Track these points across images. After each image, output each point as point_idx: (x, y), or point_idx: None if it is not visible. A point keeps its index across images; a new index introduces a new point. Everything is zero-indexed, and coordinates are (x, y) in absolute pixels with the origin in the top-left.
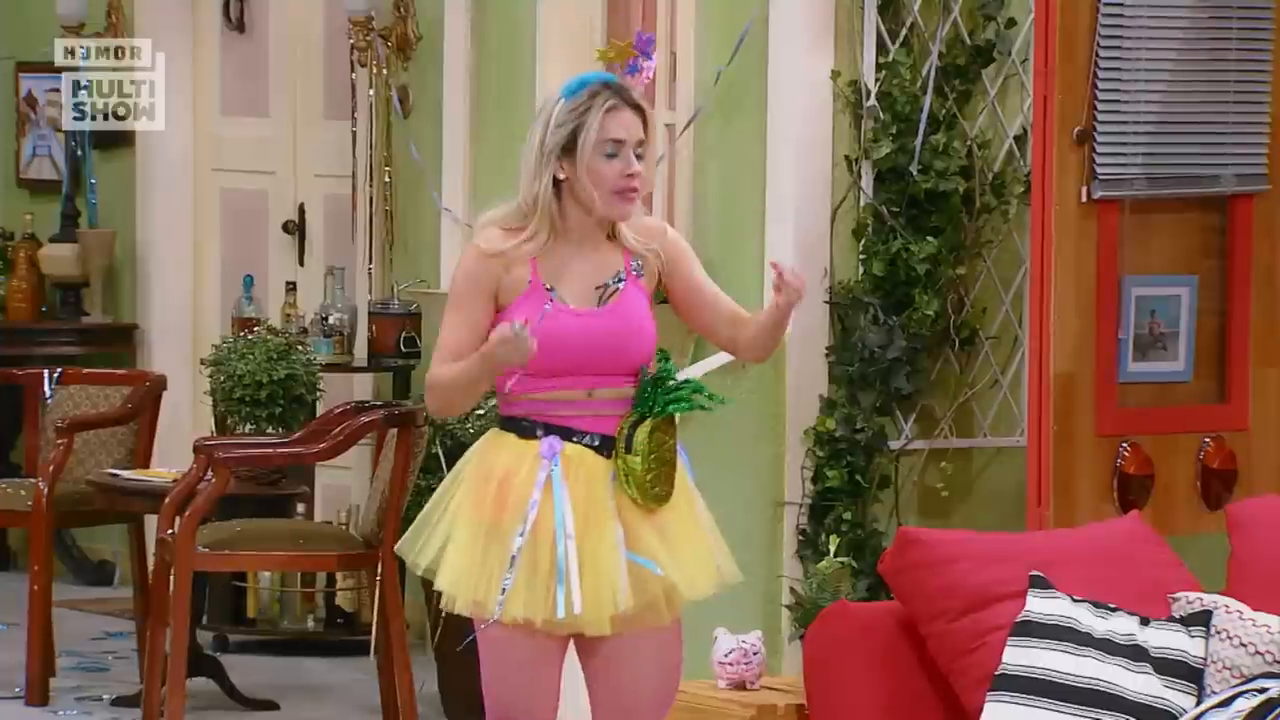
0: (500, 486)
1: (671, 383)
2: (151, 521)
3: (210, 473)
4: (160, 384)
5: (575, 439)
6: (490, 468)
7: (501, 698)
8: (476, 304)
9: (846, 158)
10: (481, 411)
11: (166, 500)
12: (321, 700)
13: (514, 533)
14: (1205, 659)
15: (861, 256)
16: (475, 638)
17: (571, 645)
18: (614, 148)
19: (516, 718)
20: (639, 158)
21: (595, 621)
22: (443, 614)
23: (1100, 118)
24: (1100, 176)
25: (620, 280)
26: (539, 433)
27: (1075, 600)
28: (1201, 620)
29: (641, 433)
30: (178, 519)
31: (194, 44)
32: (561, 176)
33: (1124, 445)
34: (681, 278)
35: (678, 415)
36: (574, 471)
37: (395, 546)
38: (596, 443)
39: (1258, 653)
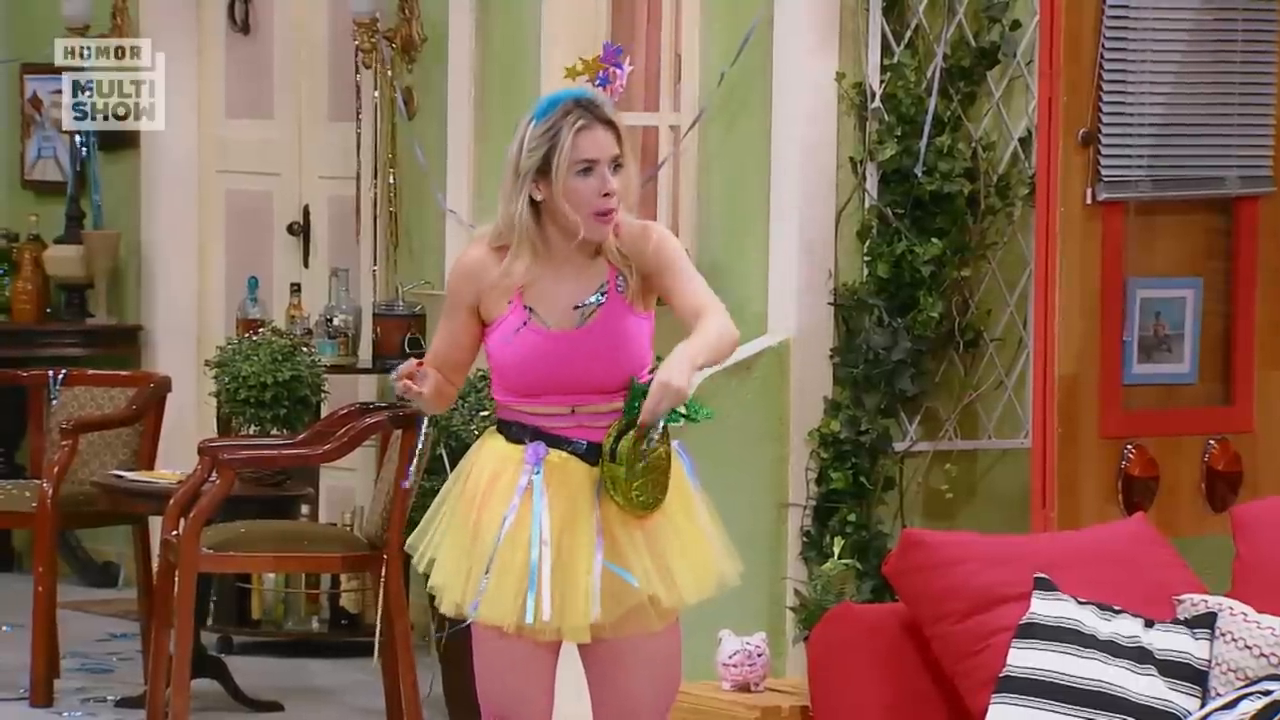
0: (486, 489)
1: None
2: (156, 523)
3: (215, 474)
4: (165, 385)
5: (562, 446)
6: (480, 470)
7: (491, 697)
8: (456, 318)
9: (851, 159)
10: (485, 413)
11: (171, 501)
12: (326, 702)
13: (493, 536)
14: (1210, 661)
15: (866, 258)
16: (457, 630)
17: (575, 650)
18: (588, 165)
19: (509, 717)
20: (619, 168)
21: (572, 629)
22: (448, 616)
23: (1105, 119)
24: (1105, 178)
25: (602, 297)
26: (526, 438)
27: (1080, 602)
28: (1206, 622)
29: (626, 442)
30: (182, 520)
31: (199, 45)
32: (539, 198)
33: (1129, 447)
34: (658, 280)
35: (668, 424)
36: (556, 479)
37: (406, 543)
38: (583, 449)
39: (1262, 655)
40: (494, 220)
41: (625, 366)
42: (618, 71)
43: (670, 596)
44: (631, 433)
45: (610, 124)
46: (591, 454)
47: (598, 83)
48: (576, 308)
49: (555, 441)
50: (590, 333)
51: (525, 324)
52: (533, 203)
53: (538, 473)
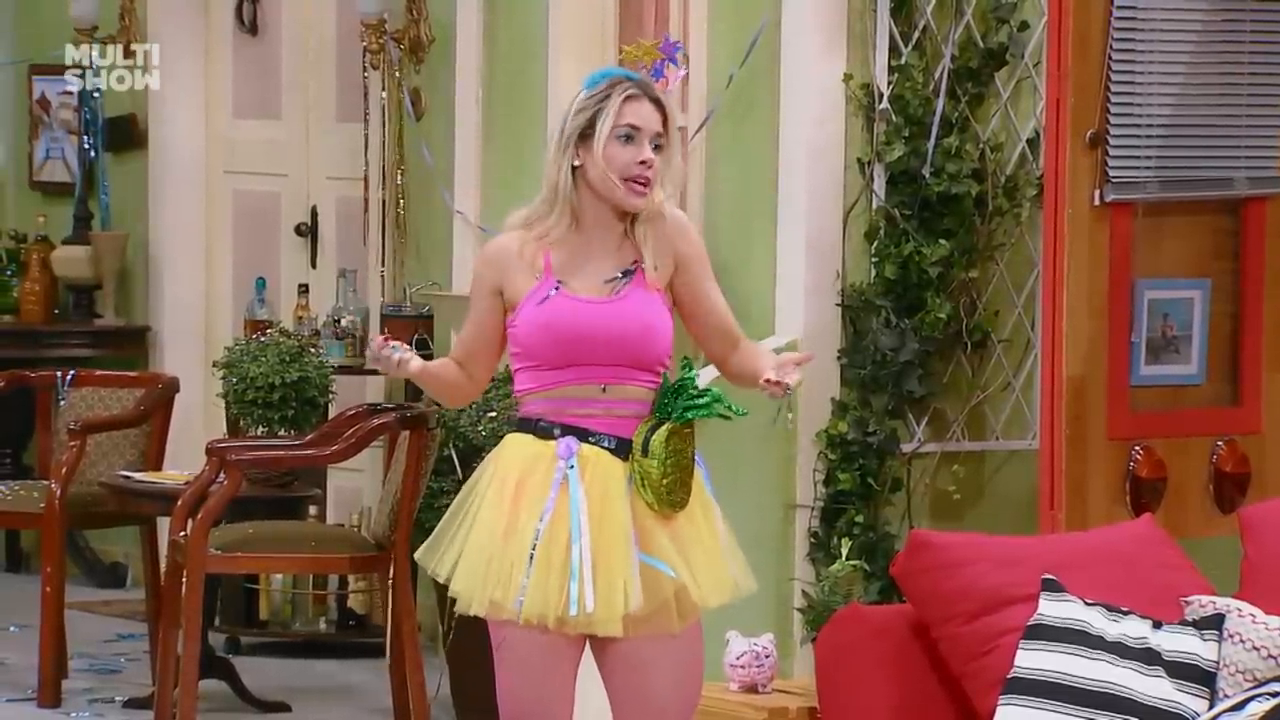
0: (517, 487)
1: (693, 390)
2: (164, 523)
3: (222, 475)
4: (173, 386)
5: (592, 440)
6: (507, 470)
7: (516, 698)
8: (481, 305)
9: (859, 160)
10: (493, 414)
11: (179, 502)
12: (333, 702)
13: (531, 532)
14: (1218, 662)
15: (874, 259)
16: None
17: (589, 654)
18: (629, 132)
19: (531, 718)
20: (660, 149)
21: (606, 621)
22: (455, 616)
23: (1113, 120)
24: (1113, 179)
25: (630, 273)
26: (556, 433)
27: (1087, 603)
28: (1214, 624)
29: (659, 437)
30: (190, 521)
31: (206, 46)
32: (578, 163)
33: (1136, 448)
34: (687, 283)
35: (696, 423)
36: (590, 472)
37: (415, 555)
38: (612, 445)
39: (1270, 656)
40: (517, 208)
41: (651, 342)
42: (672, 66)
43: (697, 593)
44: (665, 427)
45: (659, 102)
46: (621, 450)
47: (652, 72)
48: (607, 281)
49: (584, 435)
50: (622, 301)
51: (555, 290)
52: (573, 171)
53: (572, 467)
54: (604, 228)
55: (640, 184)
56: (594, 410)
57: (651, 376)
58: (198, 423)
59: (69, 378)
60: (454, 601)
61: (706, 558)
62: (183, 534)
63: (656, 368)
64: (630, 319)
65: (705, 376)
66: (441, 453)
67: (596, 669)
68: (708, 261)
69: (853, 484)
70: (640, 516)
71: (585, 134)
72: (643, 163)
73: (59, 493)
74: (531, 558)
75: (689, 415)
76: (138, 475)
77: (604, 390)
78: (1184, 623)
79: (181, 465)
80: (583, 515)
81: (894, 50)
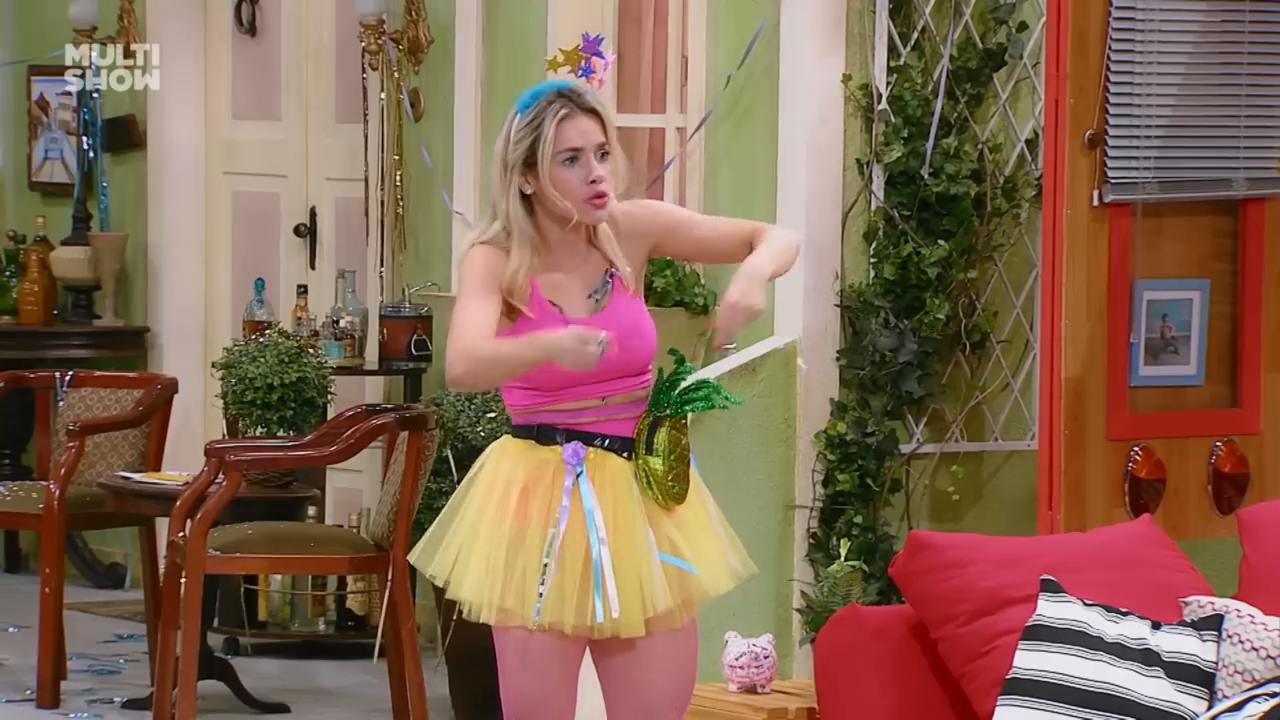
0: (523, 494)
1: (684, 383)
2: (163, 524)
3: (221, 475)
4: (171, 387)
5: (596, 443)
6: (510, 476)
7: (523, 699)
8: (496, 295)
9: (858, 161)
10: (492, 414)
11: (178, 503)
12: (332, 703)
13: (544, 539)
14: (1217, 663)
15: (872, 260)
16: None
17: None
18: (572, 155)
19: (535, 715)
20: (605, 156)
21: (630, 623)
22: (454, 618)
23: (1112, 121)
24: (1112, 180)
25: (608, 283)
26: (559, 438)
27: (1086, 604)
28: (1213, 624)
29: (661, 433)
30: (189, 522)
31: (205, 47)
32: (528, 191)
33: (1135, 449)
34: (677, 240)
35: (690, 415)
36: (599, 475)
37: (409, 557)
38: (616, 445)
39: (1269, 657)
40: (486, 220)
41: (645, 346)
42: (599, 61)
43: (711, 584)
44: (666, 424)
45: (593, 112)
46: (623, 449)
47: (580, 73)
48: (590, 295)
49: (588, 439)
50: (609, 315)
51: (560, 320)
52: (523, 196)
53: (581, 471)
54: (569, 242)
55: (598, 199)
56: (596, 416)
57: (645, 377)
58: (197, 423)
59: (68, 378)
60: (454, 604)
61: (708, 545)
62: (181, 535)
63: (648, 367)
64: (622, 333)
65: (711, 373)
66: (440, 454)
67: (591, 663)
68: (682, 210)
69: (852, 485)
70: (652, 513)
71: (528, 162)
72: (594, 181)
73: (58, 493)
74: (547, 564)
75: (687, 409)
76: (136, 476)
77: (604, 401)
78: (1183, 623)
79: (180, 466)
80: (598, 520)
81: (893, 51)
